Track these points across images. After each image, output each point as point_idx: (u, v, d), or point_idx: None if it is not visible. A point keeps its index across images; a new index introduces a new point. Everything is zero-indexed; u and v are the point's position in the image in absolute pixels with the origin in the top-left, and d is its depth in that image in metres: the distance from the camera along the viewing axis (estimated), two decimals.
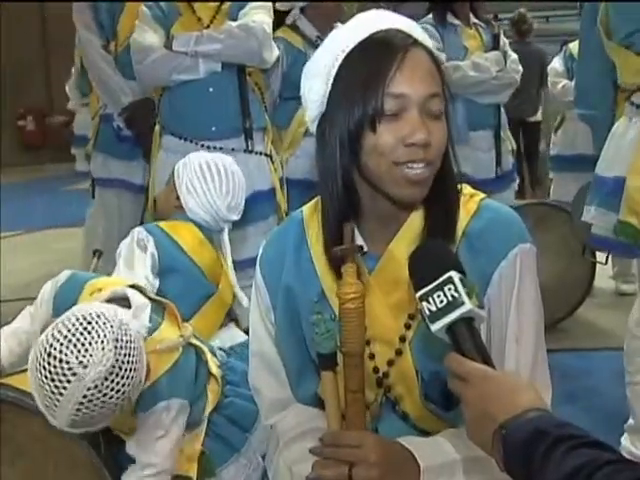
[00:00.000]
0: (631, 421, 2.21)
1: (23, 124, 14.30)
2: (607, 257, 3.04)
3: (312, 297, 1.28)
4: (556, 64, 5.06)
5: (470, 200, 1.29)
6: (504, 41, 3.94)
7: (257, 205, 2.92)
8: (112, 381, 1.49)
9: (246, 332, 2.13)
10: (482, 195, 1.31)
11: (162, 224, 2.13)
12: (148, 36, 2.98)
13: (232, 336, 2.10)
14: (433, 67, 1.22)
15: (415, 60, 1.20)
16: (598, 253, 3.35)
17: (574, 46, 4.61)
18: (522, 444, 0.94)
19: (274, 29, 3.31)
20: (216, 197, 2.21)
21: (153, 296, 1.85)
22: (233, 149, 2.94)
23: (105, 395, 1.49)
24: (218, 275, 2.17)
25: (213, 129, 2.96)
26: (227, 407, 1.88)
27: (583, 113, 3.03)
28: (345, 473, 1.13)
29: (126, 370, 1.51)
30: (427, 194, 1.24)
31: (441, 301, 1.05)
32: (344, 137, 1.21)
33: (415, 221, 1.27)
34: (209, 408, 1.85)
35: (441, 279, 1.06)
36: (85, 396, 1.48)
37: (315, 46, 2.84)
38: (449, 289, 1.05)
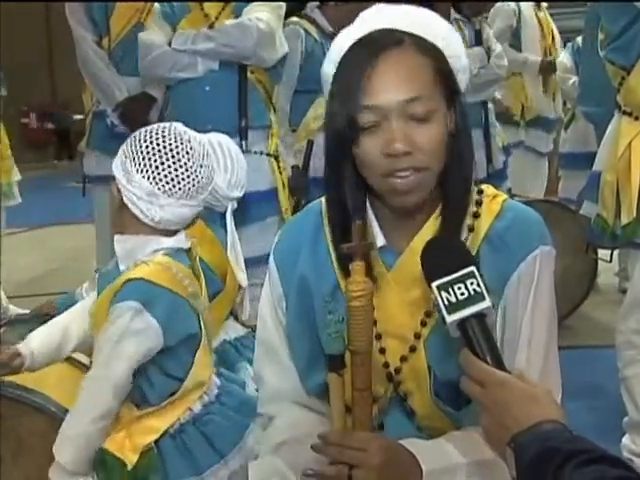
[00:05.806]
0: (626, 418, 2.20)
1: (26, 122, 14.32)
2: (611, 254, 3.02)
3: (327, 288, 1.28)
4: (564, 59, 4.78)
5: (493, 201, 1.28)
6: (487, 33, 3.86)
7: (253, 205, 2.86)
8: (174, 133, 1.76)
9: (244, 325, 2.13)
10: (504, 196, 1.31)
11: None
12: (153, 33, 3.01)
13: (235, 328, 2.08)
14: (418, 67, 1.18)
15: (390, 64, 1.17)
16: (603, 250, 3.34)
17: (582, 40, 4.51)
18: (532, 462, 0.93)
19: (288, 16, 3.29)
20: (215, 175, 2.19)
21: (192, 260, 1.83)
22: None
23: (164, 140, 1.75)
24: (225, 271, 2.15)
25: (209, 127, 2.95)
26: (206, 423, 1.76)
27: (587, 111, 3.01)
28: (345, 473, 1.13)
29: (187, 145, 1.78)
30: (442, 194, 1.24)
31: (462, 293, 1.05)
32: (335, 153, 1.22)
33: (435, 220, 1.26)
34: (181, 408, 1.75)
35: (464, 271, 1.06)
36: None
37: (330, 37, 2.80)
38: (471, 283, 1.05)
